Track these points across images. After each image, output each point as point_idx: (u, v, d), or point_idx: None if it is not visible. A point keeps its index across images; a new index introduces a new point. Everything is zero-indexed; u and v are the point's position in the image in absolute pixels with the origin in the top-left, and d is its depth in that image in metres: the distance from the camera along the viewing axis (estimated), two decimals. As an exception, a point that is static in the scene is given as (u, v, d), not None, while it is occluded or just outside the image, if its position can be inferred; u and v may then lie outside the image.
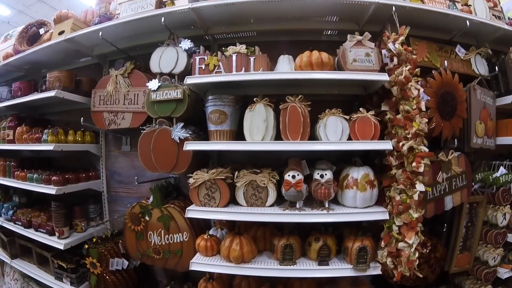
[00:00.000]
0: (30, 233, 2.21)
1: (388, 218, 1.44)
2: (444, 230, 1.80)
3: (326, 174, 1.40)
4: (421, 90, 1.49)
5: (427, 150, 1.44)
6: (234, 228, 1.62)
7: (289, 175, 1.40)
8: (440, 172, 1.63)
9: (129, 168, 2.22)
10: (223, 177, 1.49)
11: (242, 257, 1.44)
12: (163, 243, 1.74)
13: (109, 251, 1.90)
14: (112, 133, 2.19)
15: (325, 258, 1.46)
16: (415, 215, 1.41)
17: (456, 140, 1.68)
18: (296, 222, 1.38)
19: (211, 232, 1.66)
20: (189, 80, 1.51)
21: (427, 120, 1.46)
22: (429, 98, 1.58)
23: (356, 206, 1.46)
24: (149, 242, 1.78)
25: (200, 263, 1.50)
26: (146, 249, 1.80)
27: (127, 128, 1.96)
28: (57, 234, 2.07)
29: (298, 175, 1.39)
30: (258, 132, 1.43)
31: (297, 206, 1.42)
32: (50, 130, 2.06)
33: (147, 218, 1.77)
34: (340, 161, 1.59)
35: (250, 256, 1.46)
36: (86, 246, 1.92)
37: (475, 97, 1.79)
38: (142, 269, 2.08)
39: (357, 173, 1.46)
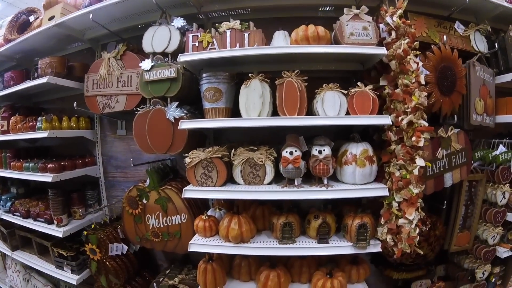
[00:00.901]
0: (29, 223, 2.17)
1: (387, 194, 1.40)
2: (444, 207, 1.77)
3: (324, 150, 1.37)
4: (420, 64, 1.45)
5: (426, 124, 1.41)
6: (233, 208, 1.60)
7: (286, 152, 1.36)
8: (440, 149, 1.60)
9: (125, 152, 2.17)
10: (220, 156, 1.45)
11: (241, 236, 1.41)
12: (162, 226, 1.72)
13: (108, 237, 1.87)
14: (107, 117, 2.14)
15: (325, 236, 1.43)
16: (415, 191, 1.38)
17: (455, 116, 1.64)
18: (294, 200, 1.35)
19: (209, 212, 1.63)
20: (183, 58, 1.46)
21: (426, 94, 1.41)
22: (428, 72, 1.53)
23: (356, 183, 1.42)
24: (147, 225, 1.76)
25: (198, 244, 1.46)
26: (145, 232, 1.77)
27: (121, 111, 1.91)
28: (55, 222, 2.03)
29: (296, 151, 1.35)
30: (254, 108, 1.38)
31: (296, 183, 1.37)
32: (44, 117, 2.00)
33: (144, 201, 1.74)
34: (338, 137, 1.55)
35: (249, 235, 1.43)
36: (85, 232, 1.89)
37: (474, 74, 1.74)
38: (142, 253, 2.06)
39: (356, 149, 1.42)
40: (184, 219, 1.65)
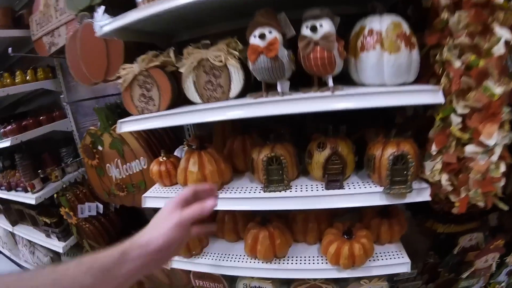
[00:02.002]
0: (11, 195, 1.93)
1: (442, 101, 0.75)
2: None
3: (321, 26, 0.71)
4: None
5: None
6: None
7: (255, 36, 0.73)
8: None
9: (90, 95, 1.72)
10: (159, 63, 0.93)
11: (205, 182, 0.90)
12: (124, 176, 1.31)
13: (77, 197, 1.57)
14: (61, 59, 1.75)
15: (337, 177, 0.83)
16: (497, 90, 0.72)
17: None
18: (277, 116, 0.77)
19: (177, 151, 1.19)
20: None
21: None
22: None
23: (384, 83, 0.77)
24: (110, 178, 1.37)
25: (153, 197, 1.01)
26: (110, 186, 1.42)
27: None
28: (29, 189, 1.75)
29: (270, 32, 0.73)
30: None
31: (279, 89, 0.77)
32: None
33: (99, 147, 1.35)
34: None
35: (217, 179, 0.92)
36: (55, 195, 1.64)
37: None
38: (127, 210, 1.73)
39: (380, 23, 0.74)
40: (144, 165, 1.21)
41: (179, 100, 0.95)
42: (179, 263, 1.15)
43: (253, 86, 0.89)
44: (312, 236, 1.05)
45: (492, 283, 1.35)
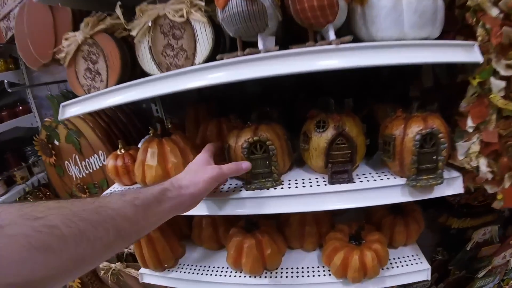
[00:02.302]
0: None
1: (480, 59, 0.54)
2: None
3: None
4: None
5: None
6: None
7: None
8: None
9: (52, 86, 1.55)
10: (106, 27, 0.71)
11: (167, 178, 0.67)
12: (84, 175, 1.10)
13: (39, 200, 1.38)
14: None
15: (344, 166, 0.61)
16: None
17: None
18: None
19: (141, 143, 0.95)
20: None
21: None
22: None
23: (403, 37, 0.55)
24: (71, 177, 1.16)
25: None
26: (72, 187, 1.21)
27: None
28: None
29: None
30: None
31: (260, 45, 0.54)
32: None
33: (56, 142, 1.14)
34: None
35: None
36: (17, 200, 1.42)
37: None
38: None
39: None
40: (104, 160, 1.01)
41: (134, 74, 0.73)
42: (149, 277, 0.94)
43: (225, 50, 0.67)
44: (311, 242, 0.84)
45: (506, 279, 1.18)
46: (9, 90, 1.00)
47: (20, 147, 1.66)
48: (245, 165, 0.61)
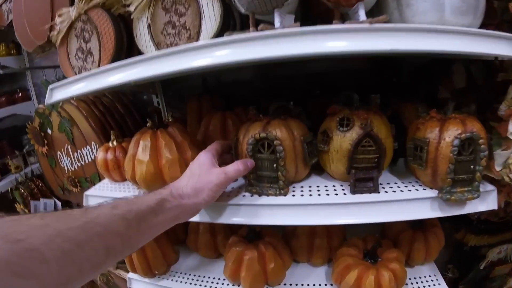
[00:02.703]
0: None
1: None
2: None
3: None
4: None
5: None
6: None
7: None
8: None
9: (51, 73, 1.48)
10: (102, 1, 0.63)
11: (160, 176, 0.59)
12: (76, 167, 1.01)
13: (31, 191, 1.29)
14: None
15: (370, 173, 0.51)
16: None
17: None
18: (273, 59, 0.47)
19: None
20: None
21: None
22: None
23: (444, 23, 0.46)
24: (62, 169, 1.09)
25: (96, 196, 0.70)
26: (63, 180, 1.13)
27: None
28: None
29: None
30: None
31: (276, 23, 0.43)
32: None
33: (49, 131, 1.06)
34: None
35: (179, 173, 0.55)
36: (9, 189, 1.35)
37: None
38: None
39: None
40: (96, 152, 0.93)
41: (130, 57, 0.64)
42: (138, 283, 0.85)
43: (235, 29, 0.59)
44: (319, 256, 0.74)
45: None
46: (0, 72, 0.92)
47: (18, 136, 1.60)
48: (251, 162, 0.54)
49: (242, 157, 0.57)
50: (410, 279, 0.73)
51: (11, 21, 1.28)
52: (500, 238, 0.97)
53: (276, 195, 0.55)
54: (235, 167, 0.51)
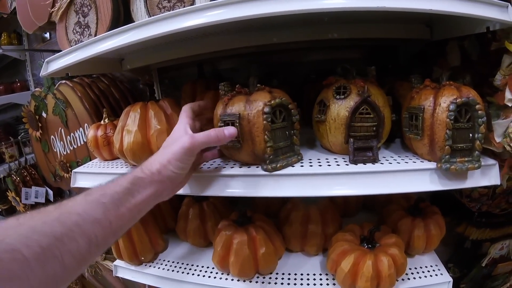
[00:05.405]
0: None
1: None
2: None
3: None
4: None
5: None
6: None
7: None
8: None
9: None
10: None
11: (148, 148, 0.55)
12: (68, 151, 0.96)
13: (24, 178, 1.24)
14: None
15: (369, 142, 0.47)
16: None
17: None
18: (263, 15, 0.42)
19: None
20: None
21: None
22: None
23: None
24: (55, 154, 1.05)
25: (85, 173, 0.65)
26: (55, 165, 1.08)
27: None
28: None
29: None
30: None
31: None
32: None
33: (43, 114, 1.02)
34: None
35: None
36: (2, 177, 1.30)
37: None
38: None
39: None
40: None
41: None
42: (124, 270, 0.79)
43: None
44: (314, 245, 0.69)
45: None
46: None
47: (13, 125, 1.57)
48: (229, 131, 0.46)
49: (258, 137, 0.50)
50: (410, 269, 0.67)
51: (14, 8, 1.27)
52: (502, 233, 0.93)
53: (298, 161, 0.52)
54: (206, 132, 0.45)
